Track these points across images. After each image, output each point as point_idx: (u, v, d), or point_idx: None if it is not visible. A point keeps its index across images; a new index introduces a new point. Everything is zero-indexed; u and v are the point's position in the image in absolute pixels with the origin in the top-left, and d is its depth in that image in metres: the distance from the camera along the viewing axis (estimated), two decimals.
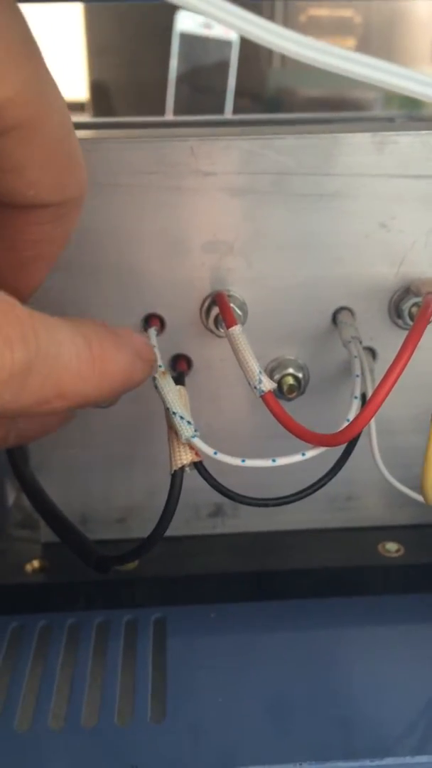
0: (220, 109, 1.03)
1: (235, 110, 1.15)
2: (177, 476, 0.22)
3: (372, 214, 0.24)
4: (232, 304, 0.24)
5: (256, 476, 0.22)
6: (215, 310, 0.25)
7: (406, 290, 0.25)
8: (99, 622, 0.27)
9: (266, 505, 0.22)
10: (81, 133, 0.25)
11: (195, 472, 0.21)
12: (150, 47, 1.01)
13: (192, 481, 0.21)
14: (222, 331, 0.25)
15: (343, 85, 1.45)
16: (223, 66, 1.06)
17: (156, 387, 0.22)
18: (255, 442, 0.26)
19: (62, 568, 0.28)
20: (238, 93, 1.14)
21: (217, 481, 0.22)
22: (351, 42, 1.24)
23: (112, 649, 0.26)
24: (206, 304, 0.25)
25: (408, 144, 0.24)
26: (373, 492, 0.29)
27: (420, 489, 0.23)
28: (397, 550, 0.28)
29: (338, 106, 1.44)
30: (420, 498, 0.24)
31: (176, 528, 0.24)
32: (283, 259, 0.25)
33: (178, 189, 0.24)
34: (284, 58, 1.47)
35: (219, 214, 0.24)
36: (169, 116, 0.96)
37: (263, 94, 1.20)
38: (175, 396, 0.21)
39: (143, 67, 1.02)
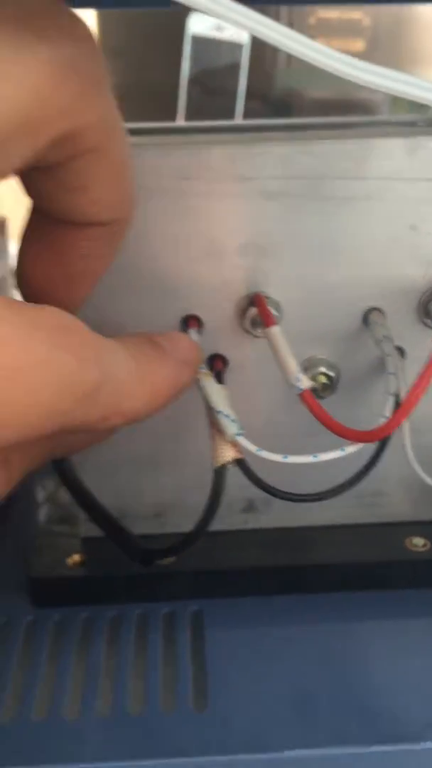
0: (231, 112, 1.04)
1: (246, 112, 1.16)
2: (220, 473, 0.22)
3: (402, 216, 0.25)
4: (269, 306, 0.25)
5: (282, 474, 0.23)
6: (251, 311, 0.25)
7: None
8: (138, 614, 0.28)
9: (305, 501, 0.23)
10: None
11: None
12: (162, 50, 1.02)
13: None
14: (259, 331, 0.25)
15: (350, 87, 1.46)
16: (234, 69, 1.07)
17: (199, 386, 0.23)
18: (290, 439, 0.27)
19: (102, 561, 0.28)
20: (249, 95, 1.15)
21: (259, 478, 0.22)
22: (360, 44, 1.25)
23: (152, 641, 0.26)
24: (242, 305, 0.26)
25: None
26: (401, 488, 0.29)
27: None
28: (424, 545, 0.29)
29: (345, 107, 1.44)
30: None
31: (213, 524, 0.24)
32: (316, 261, 0.26)
33: (215, 193, 0.24)
34: (290, 59, 1.48)
35: (254, 218, 0.25)
36: (181, 121, 0.97)
37: (272, 95, 1.21)
38: (219, 395, 0.22)
39: (154, 70, 1.03)
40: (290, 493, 0.23)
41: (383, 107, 1.53)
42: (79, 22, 0.16)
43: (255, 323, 0.25)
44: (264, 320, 0.24)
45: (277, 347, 0.23)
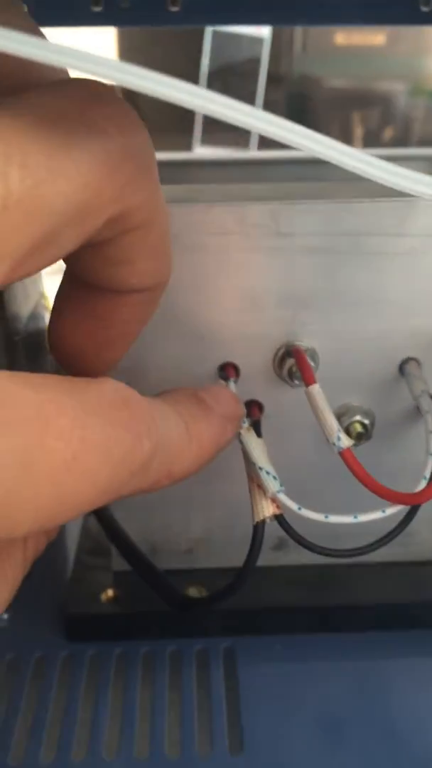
0: (252, 103, 1.03)
1: (266, 105, 1.15)
2: (259, 529, 0.23)
3: None
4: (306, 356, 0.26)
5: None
6: (289, 362, 0.26)
7: None
8: (171, 651, 0.28)
9: (345, 557, 0.23)
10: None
11: None
12: (181, 46, 1.01)
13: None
14: (296, 382, 0.26)
15: (368, 76, 1.45)
16: (254, 63, 1.06)
17: (240, 441, 0.23)
18: (324, 487, 0.27)
19: (134, 597, 0.29)
20: (270, 84, 1.14)
21: (300, 535, 0.23)
22: (381, 37, 1.24)
23: (186, 678, 0.27)
24: (279, 355, 0.26)
25: None
26: (430, 528, 0.30)
27: None
28: None
29: (363, 97, 1.43)
30: None
31: (240, 560, 0.25)
32: (354, 313, 0.26)
33: (258, 248, 0.25)
34: (306, 45, 1.47)
35: (295, 272, 0.25)
36: (197, 149, 0.96)
37: (292, 88, 1.20)
38: (258, 450, 0.22)
39: (174, 66, 1.02)
40: (329, 549, 0.23)
41: (401, 97, 1.52)
42: (128, 110, 0.16)
43: (292, 374, 0.26)
44: (304, 378, 0.24)
45: (316, 405, 0.23)
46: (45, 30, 0.18)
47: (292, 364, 0.26)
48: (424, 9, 0.38)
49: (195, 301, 0.25)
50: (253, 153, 0.94)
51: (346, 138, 1.26)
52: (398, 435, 0.28)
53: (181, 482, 0.19)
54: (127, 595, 0.29)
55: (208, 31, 1.02)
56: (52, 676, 0.27)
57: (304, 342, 0.26)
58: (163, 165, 0.18)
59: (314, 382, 0.24)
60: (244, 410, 0.23)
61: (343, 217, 0.24)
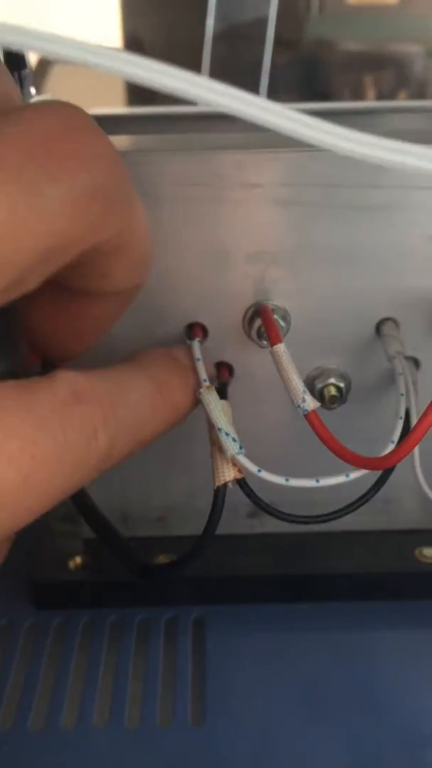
0: (258, 69, 1.00)
1: (274, 66, 1.12)
2: (220, 492, 0.22)
3: (419, 226, 0.24)
4: (275, 315, 0.24)
5: (284, 489, 0.22)
6: (258, 321, 0.25)
7: None
8: (140, 620, 0.28)
9: (307, 523, 0.22)
10: (125, 143, 0.25)
11: None
12: (185, 6, 0.98)
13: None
14: (264, 343, 0.25)
15: (383, 37, 1.41)
16: (262, 23, 1.03)
17: (201, 401, 0.22)
18: (295, 454, 0.26)
19: (104, 564, 0.28)
20: (277, 49, 1.11)
21: (259, 498, 0.22)
22: (393, 0, 1.20)
23: (153, 648, 0.26)
24: (249, 314, 0.25)
25: None
26: (412, 496, 0.29)
27: None
28: None
29: (378, 60, 1.40)
30: None
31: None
32: (328, 270, 0.25)
33: (224, 200, 0.23)
34: (322, 7, 1.43)
35: (265, 226, 0.24)
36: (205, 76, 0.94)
37: (302, 47, 1.17)
38: (220, 412, 0.21)
39: (179, 28, 1.00)
40: (291, 515, 0.22)
41: (418, 60, 1.48)
42: (98, 141, 0.15)
43: (261, 335, 0.25)
44: (270, 337, 0.23)
45: (281, 366, 0.22)
46: None
47: (261, 323, 0.25)
48: None
49: (158, 257, 0.24)
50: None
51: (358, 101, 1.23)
52: (375, 398, 0.27)
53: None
54: (97, 563, 0.29)
55: None
56: (16, 643, 0.27)
57: (275, 301, 0.25)
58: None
59: (279, 341, 0.23)
60: (201, 370, 0.23)
61: (312, 166, 0.23)
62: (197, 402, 0.22)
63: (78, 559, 0.28)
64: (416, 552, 0.29)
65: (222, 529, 0.29)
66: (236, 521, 0.29)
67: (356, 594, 0.28)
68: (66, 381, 0.16)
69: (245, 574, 0.28)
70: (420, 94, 1.32)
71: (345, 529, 0.30)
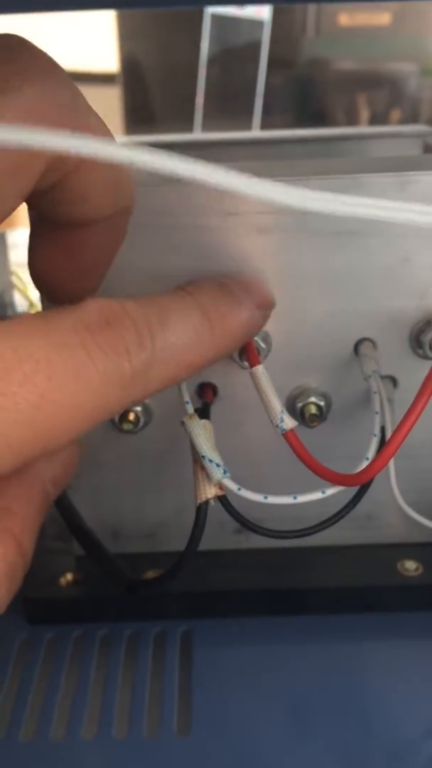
0: (252, 91, 1.02)
1: (269, 86, 1.14)
2: (202, 509, 0.23)
3: (395, 249, 0.25)
4: (255, 337, 0.25)
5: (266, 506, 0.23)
6: None
7: (427, 323, 0.26)
8: (129, 634, 0.28)
9: (286, 538, 0.23)
10: None
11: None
12: (181, 30, 1.00)
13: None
14: (246, 364, 0.25)
15: (377, 57, 1.43)
16: (255, 46, 1.05)
17: (185, 429, 0.23)
18: (277, 468, 0.27)
19: (95, 581, 0.29)
20: (271, 69, 1.13)
21: (240, 515, 0.23)
22: (386, 17, 1.22)
23: (142, 661, 0.27)
24: None
25: (430, 183, 0.24)
26: (393, 512, 0.30)
27: None
28: (416, 569, 0.29)
29: (372, 80, 1.42)
30: None
31: (204, 543, 0.25)
32: (306, 293, 0.26)
33: (204, 228, 0.24)
34: (318, 29, 1.45)
35: (243, 252, 0.25)
36: (200, 100, 0.95)
37: (295, 72, 1.19)
38: (203, 438, 0.22)
39: (175, 51, 1.02)
40: (270, 530, 0.23)
41: (411, 79, 1.50)
42: (43, 56, 0.17)
43: (243, 356, 0.25)
44: (248, 358, 0.24)
45: (260, 386, 0.23)
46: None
47: (243, 345, 0.25)
48: None
49: (142, 283, 0.25)
50: (262, 133, 0.93)
51: (351, 120, 1.25)
52: (355, 417, 0.28)
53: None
54: (87, 579, 0.29)
55: (207, 14, 1.01)
56: (9, 657, 0.27)
57: None
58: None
59: (258, 363, 0.23)
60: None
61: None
62: (253, 333, 0.22)
63: (69, 576, 0.29)
64: (398, 565, 0.29)
65: (209, 545, 0.30)
66: (223, 537, 0.30)
67: (341, 607, 0.29)
68: (94, 306, 0.17)
69: (232, 588, 0.29)
70: (413, 112, 1.34)
71: (330, 544, 0.30)
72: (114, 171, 0.18)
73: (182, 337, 0.19)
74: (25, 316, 0.16)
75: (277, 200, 0.14)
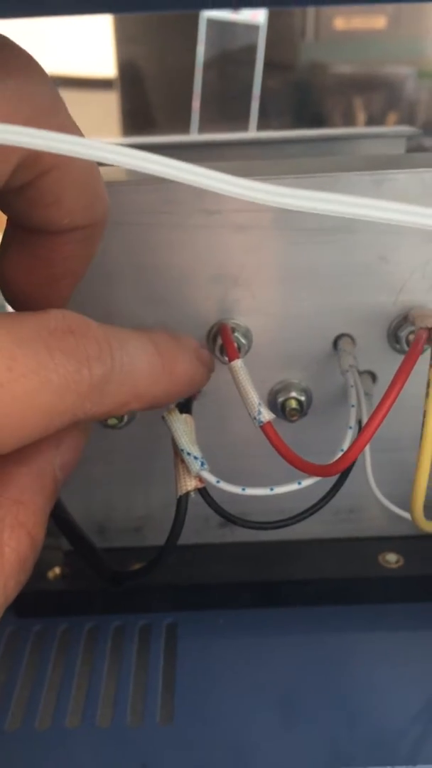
0: (248, 94, 1.03)
1: (266, 89, 1.15)
2: (182, 501, 0.23)
3: (371, 247, 0.25)
4: (236, 333, 0.26)
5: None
6: (220, 339, 0.26)
7: (404, 318, 0.26)
8: (115, 626, 0.29)
9: (264, 528, 0.23)
10: None
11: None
12: (177, 34, 1.01)
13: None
14: (225, 359, 0.26)
15: (374, 60, 1.43)
16: (251, 50, 1.06)
17: (165, 423, 0.23)
18: (258, 461, 0.28)
19: (82, 575, 0.30)
20: (267, 72, 1.13)
21: (219, 506, 0.23)
22: (381, 21, 1.22)
23: (127, 652, 0.28)
24: (212, 333, 0.26)
25: (405, 181, 0.25)
26: (374, 505, 0.30)
27: (410, 512, 0.24)
28: (397, 561, 0.30)
29: (368, 83, 1.42)
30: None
31: (187, 537, 0.25)
32: (286, 289, 0.26)
33: (185, 227, 0.25)
34: (315, 32, 1.46)
35: (224, 250, 0.25)
36: (194, 135, 0.96)
37: (291, 75, 1.19)
38: (182, 433, 0.23)
39: (171, 55, 1.02)
40: (250, 521, 0.23)
41: (408, 81, 1.50)
42: (22, 53, 0.17)
43: (223, 351, 0.26)
44: (227, 353, 0.24)
45: (238, 380, 0.24)
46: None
47: (222, 341, 0.26)
48: None
49: (125, 279, 0.26)
50: (252, 134, 0.94)
51: (348, 123, 1.26)
52: (335, 412, 0.28)
53: (152, 408, 0.20)
54: (74, 573, 0.30)
55: (203, 19, 1.01)
56: None
57: (237, 320, 0.26)
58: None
59: (237, 357, 0.24)
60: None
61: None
62: (193, 388, 0.22)
63: (57, 570, 0.30)
64: (380, 558, 0.30)
65: (194, 538, 0.31)
66: (207, 531, 0.31)
67: (323, 599, 0.29)
68: (59, 313, 0.17)
69: (216, 581, 0.29)
70: (410, 115, 1.34)
71: (313, 538, 0.31)
72: (88, 176, 0.19)
73: (137, 364, 0.19)
74: None
75: (250, 197, 0.15)
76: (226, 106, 1.04)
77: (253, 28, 1.06)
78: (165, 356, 0.20)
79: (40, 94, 0.17)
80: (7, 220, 0.20)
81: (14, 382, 0.15)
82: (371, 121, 1.30)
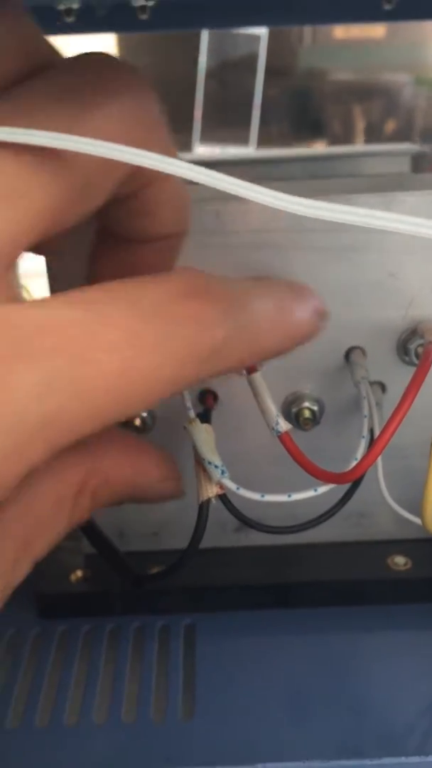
0: (249, 104, 1.05)
1: (266, 97, 1.16)
2: (204, 508, 0.24)
3: (382, 264, 0.27)
4: None
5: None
6: None
7: (413, 331, 0.28)
8: (136, 627, 0.30)
9: (282, 533, 0.25)
10: None
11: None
12: (179, 44, 1.03)
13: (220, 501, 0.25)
14: (244, 371, 0.27)
15: (373, 67, 1.45)
16: (252, 60, 1.07)
17: (187, 433, 0.25)
18: (275, 469, 0.29)
19: (103, 577, 0.31)
20: (267, 79, 1.15)
21: (239, 512, 0.25)
22: (381, 29, 1.24)
23: (148, 652, 0.29)
24: None
25: (413, 203, 0.26)
26: (384, 510, 0.31)
27: (420, 517, 0.25)
28: (405, 564, 0.31)
29: (367, 91, 1.44)
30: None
31: (205, 541, 0.26)
32: None
33: (205, 245, 0.26)
34: (315, 38, 1.48)
35: (242, 268, 0.27)
36: (198, 112, 0.98)
37: (290, 82, 1.21)
38: (203, 442, 0.24)
39: (173, 66, 1.04)
40: (268, 526, 0.25)
41: (406, 89, 1.52)
42: (135, 75, 0.18)
43: None
44: (247, 367, 0.26)
45: (257, 392, 0.25)
46: None
47: None
48: (387, 7, 0.39)
49: None
50: (253, 152, 0.96)
51: (347, 131, 1.27)
52: (346, 420, 0.29)
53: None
54: (96, 576, 0.31)
55: (205, 30, 1.03)
56: (24, 650, 0.29)
57: None
58: None
59: (256, 371, 0.25)
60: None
61: (282, 213, 0.26)
62: (308, 339, 0.22)
63: (79, 573, 0.31)
64: (389, 560, 0.31)
65: (211, 542, 0.32)
66: (224, 535, 0.32)
67: (335, 600, 0.31)
68: (183, 276, 0.18)
69: (233, 583, 0.31)
70: (408, 122, 1.36)
71: (324, 541, 0.32)
72: (181, 191, 0.20)
73: (258, 323, 0.19)
74: (108, 284, 0.17)
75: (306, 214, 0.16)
76: (228, 115, 1.06)
77: (254, 38, 1.08)
78: (285, 311, 0.20)
79: (147, 114, 0.18)
80: (97, 234, 0.21)
81: (139, 359, 0.16)
82: (370, 128, 1.32)
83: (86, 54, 0.18)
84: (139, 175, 0.18)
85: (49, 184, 0.16)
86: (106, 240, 0.21)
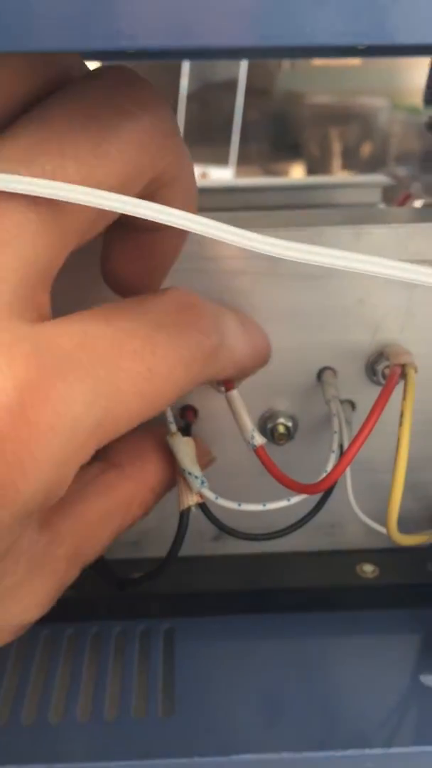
0: (229, 127, 1.07)
1: (246, 120, 1.19)
2: (184, 516, 0.26)
3: (351, 291, 0.29)
4: None
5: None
6: None
7: (380, 354, 0.30)
8: (118, 631, 0.32)
9: (257, 539, 0.27)
10: None
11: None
12: (162, 69, 1.05)
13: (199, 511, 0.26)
14: (222, 389, 0.29)
15: (350, 91, 1.49)
16: (232, 84, 1.10)
17: (169, 445, 0.26)
18: (251, 480, 0.31)
19: (87, 583, 0.32)
20: (247, 101, 1.18)
21: (217, 519, 0.26)
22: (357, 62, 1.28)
23: (129, 655, 0.30)
24: None
25: (381, 234, 0.28)
26: (353, 521, 0.33)
27: (386, 527, 0.27)
28: (373, 572, 0.33)
29: (344, 114, 1.47)
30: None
31: (185, 550, 0.28)
32: (274, 328, 0.29)
33: (184, 271, 0.28)
34: (293, 62, 1.51)
35: (218, 292, 0.28)
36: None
37: (269, 105, 1.24)
38: (184, 454, 0.26)
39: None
40: (244, 533, 0.27)
41: (382, 113, 1.56)
42: (148, 88, 0.20)
43: (219, 382, 0.29)
44: (225, 384, 0.27)
45: (234, 408, 0.27)
46: None
47: None
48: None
49: None
50: (231, 175, 0.99)
51: (324, 153, 1.30)
52: (318, 436, 0.31)
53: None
54: (80, 582, 0.32)
55: None
56: (9, 653, 0.30)
57: None
58: None
59: (233, 388, 0.27)
60: (170, 415, 0.27)
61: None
62: (265, 361, 0.27)
63: None
64: (357, 568, 0.33)
65: (189, 551, 0.33)
66: (202, 544, 0.34)
67: (307, 606, 0.32)
68: (176, 292, 0.20)
69: (210, 589, 0.32)
70: (383, 146, 1.39)
71: (297, 550, 0.34)
72: (193, 184, 0.22)
73: (235, 335, 0.22)
74: (116, 303, 0.19)
75: (262, 250, 0.18)
76: (209, 137, 1.08)
77: (234, 63, 1.10)
78: (248, 331, 0.24)
79: (168, 124, 0.20)
80: (113, 225, 0.22)
81: (160, 364, 0.18)
82: (346, 150, 1.35)
83: (107, 68, 0.20)
84: (159, 176, 0.20)
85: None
86: (123, 229, 0.23)
